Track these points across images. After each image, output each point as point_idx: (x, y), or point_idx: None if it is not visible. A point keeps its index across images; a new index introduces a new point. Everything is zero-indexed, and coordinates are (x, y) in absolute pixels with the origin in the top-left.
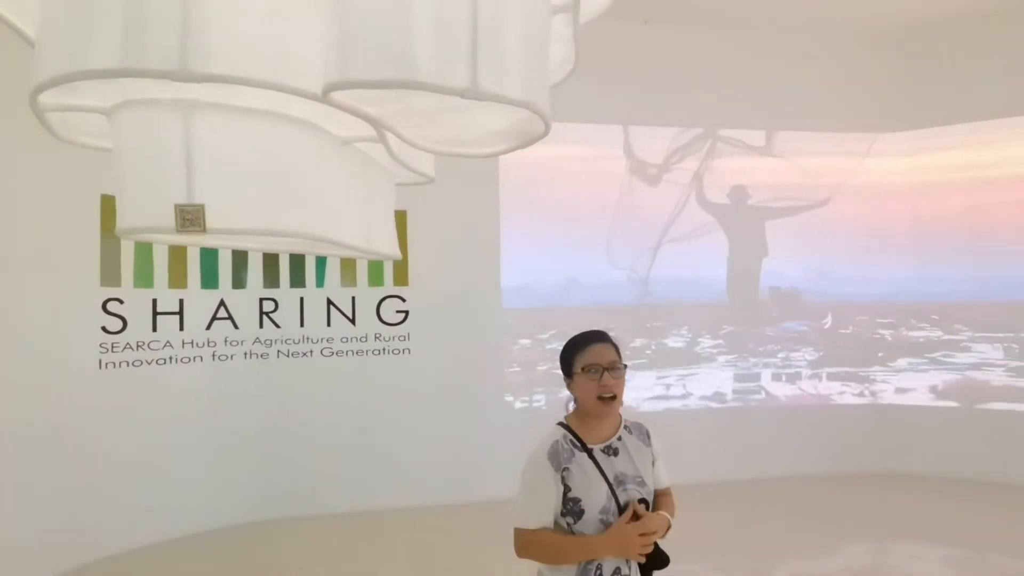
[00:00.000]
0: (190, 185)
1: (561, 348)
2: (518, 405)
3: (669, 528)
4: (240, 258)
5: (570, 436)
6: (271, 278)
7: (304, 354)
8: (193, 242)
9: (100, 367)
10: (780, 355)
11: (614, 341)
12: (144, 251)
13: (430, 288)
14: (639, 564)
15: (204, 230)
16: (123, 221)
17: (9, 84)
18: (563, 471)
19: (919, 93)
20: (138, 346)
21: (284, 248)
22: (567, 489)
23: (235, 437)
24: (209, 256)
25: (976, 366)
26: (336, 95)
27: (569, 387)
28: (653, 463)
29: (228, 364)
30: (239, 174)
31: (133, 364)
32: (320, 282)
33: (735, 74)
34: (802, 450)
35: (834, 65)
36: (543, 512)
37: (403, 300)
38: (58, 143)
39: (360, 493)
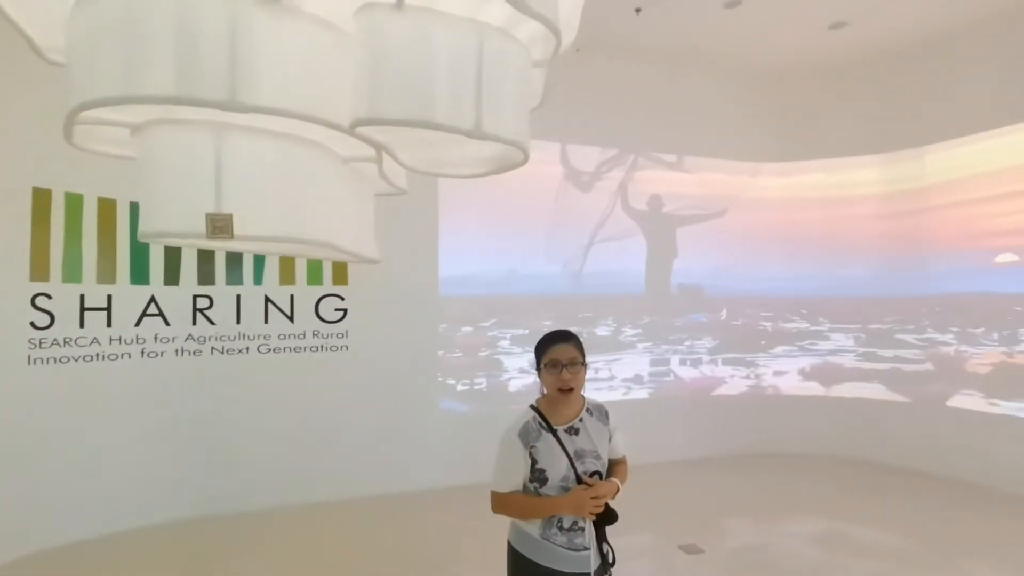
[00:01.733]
0: (219, 196)
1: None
2: (460, 388)
3: (618, 491)
4: (173, 255)
5: (539, 418)
6: (206, 275)
7: (240, 351)
8: (216, 246)
9: (29, 363)
10: (686, 343)
11: (578, 340)
12: (73, 245)
13: (369, 286)
14: (593, 521)
15: (232, 237)
16: (149, 225)
17: None
18: (531, 448)
19: (791, 130)
20: (65, 342)
21: (289, 252)
22: (534, 461)
23: (166, 434)
24: (140, 252)
25: (834, 352)
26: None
27: (539, 376)
28: (610, 438)
29: (158, 361)
30: (261, 187)
31: (60, 360)
32: (258, 280)
33: (655, 103)
34: (698, 433)
35: (731, 103)
36: (514, 479)
37: (342, 299)
38: None
39: (299, 488)
